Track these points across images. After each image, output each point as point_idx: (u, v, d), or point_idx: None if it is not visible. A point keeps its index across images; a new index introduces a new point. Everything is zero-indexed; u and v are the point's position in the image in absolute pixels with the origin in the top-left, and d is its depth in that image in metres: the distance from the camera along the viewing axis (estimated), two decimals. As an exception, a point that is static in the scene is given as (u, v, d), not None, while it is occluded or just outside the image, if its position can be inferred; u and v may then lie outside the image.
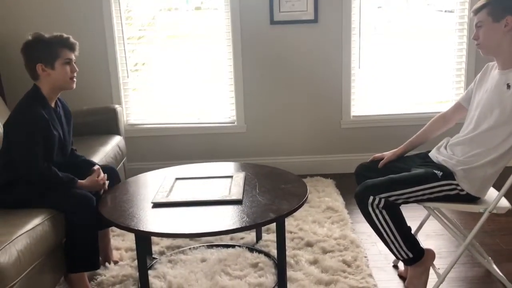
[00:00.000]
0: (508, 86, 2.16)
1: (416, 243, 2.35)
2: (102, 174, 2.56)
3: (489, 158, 2.21)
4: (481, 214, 2.24)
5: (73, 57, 2.46)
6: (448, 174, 2.26)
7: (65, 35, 2.44)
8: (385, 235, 2.29)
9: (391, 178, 2.30)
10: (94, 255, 2.42)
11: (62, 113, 2.55)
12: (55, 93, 2.48)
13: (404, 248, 2.31)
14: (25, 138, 2.31)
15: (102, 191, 2.55)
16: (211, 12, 4.13)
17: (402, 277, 2.55)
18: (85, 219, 2.33)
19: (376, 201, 2.24)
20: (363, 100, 4.16)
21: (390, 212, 2.26)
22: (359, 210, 2.31)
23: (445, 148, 2.39)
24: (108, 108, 3.63)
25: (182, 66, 4.11)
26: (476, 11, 2.24)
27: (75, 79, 2.47)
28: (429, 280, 2.46)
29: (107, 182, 2.58)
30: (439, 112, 4.07)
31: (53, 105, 2.47)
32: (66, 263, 2.39)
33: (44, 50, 2.38)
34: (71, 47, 2.45)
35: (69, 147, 2.59)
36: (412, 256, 2.32)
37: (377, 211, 2.25)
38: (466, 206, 2.29)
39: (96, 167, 2.61)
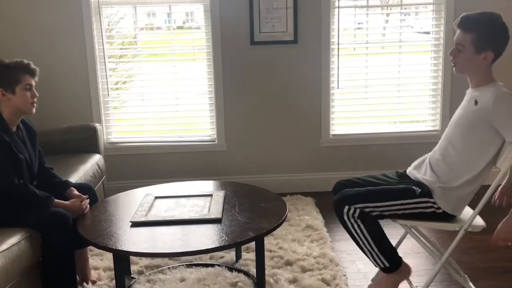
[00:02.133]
0: (476, 102, 2.22)
1: (394, 252, 2.37)
2: (86, 202, 2.53)
3: (466, 178, 2.25)
4: (457, 232, 2.28)
5: (33, 82, 2.48)
6: (426, 192, 2.30)
7: (25, 61, 2.47)
8: (361, 243, 2.32)
9: (369, 190, 2.34)
10: (71, 276, 2.38)
11: (26, 135, 2.54)
12: (16, 117, 2.48)
13: (381, 257, 2.33)
14: None
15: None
16: (192, 32, 4.17)
17: None
18: (61, 238, 2.30)
19: (351, 211, 2.27)
20: (342, 119, 4.21)
21: (366, 222, 2.28)
22: (338, 228, 2.33)
23: (427, 165, 2.42)
24: (88, 126, 3.62)
25: (163, 85, 4.13)
26: (462, 29, 2.22)
27: (35, 104, 2.49)
28: (407, 298, 2.49)
29: (87, 208, 2.54)
30: (416, 131, 4.19)
31: (14, 129, 2.47)
32: (42, 285, 2.34)
33: (5, 76, 2.40)
34: (32, 73, 2.47)
35: (35, 169, 2.56)
36: (389, 265, 2.34)
37: (352, 221, 2.28)
38: (442, 224, 2.33)
39: (75, 192, 2.57)
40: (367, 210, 2.27)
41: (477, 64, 2.23)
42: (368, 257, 2.36)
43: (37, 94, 2.49)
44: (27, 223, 2.28)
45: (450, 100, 4.07)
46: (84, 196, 2.55)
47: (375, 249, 2.31)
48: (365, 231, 2.29)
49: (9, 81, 2.40)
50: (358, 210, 2.26)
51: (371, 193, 2.32)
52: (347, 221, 2.28)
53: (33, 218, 2.30)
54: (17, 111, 2.45)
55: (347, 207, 2.27)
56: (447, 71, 4.04)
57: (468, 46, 2.21)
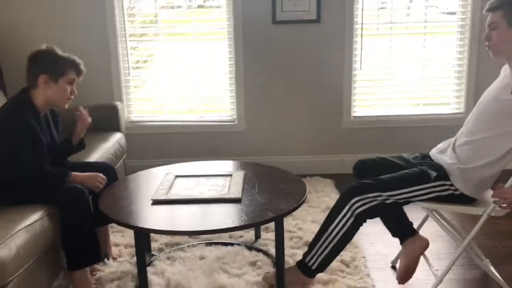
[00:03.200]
0: None
1: (326, 266, 2.37)
2: (100, 175, 2.53)
3: (487, 160, 2.21)
4: (479, 216, 2.25)
5: (77, 81, 2.48)
6: (442, 175, 2.26)
7: (77, 60, 2.47)
8: (325, 235, 2.30)
9: (381, 178, 2.30)
10: (93, 249, 2.40)
11: (51, 121, 2.56)
12: (47, 107, 2.49)
13: (320, 258, 2.32)
14: (13, 144, 2.29)
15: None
16: (213, 11, 4.13)
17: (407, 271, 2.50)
18: (79, 213, 2.31)
19: (358, 204, 2.24)
20: (364, 100, 4.16)
21: (354, 224, 2.26)
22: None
23: (450, 148, 2.37)
24: (109, 105, 3.64)
25: (184, 64, 4.12)
26: (491, 10, 2.19)
27: (70, 101, 2.49)
28: (427, 281, 2.47)
29: (104, 181, 2.54)
30: (440, 114, 4.12)
31: (41, 115, 2.47)
32: (66, 261, 2.36)
33: (54, 64, 2.40)
34: (79, 72, 2.48)
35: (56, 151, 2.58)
36: (313, 269, 2.34)
37: (348, 214, 2.25)
38: (465, 208, 2.29)
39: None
40: (380, 198, 2.24)
41: None
42: (312, 247, 2.34)
43: (76, 93, 2.49)
44: (45, 200, 2.30)
45: (475, 83, 3.99)
46: (103, 177, 2.54)
47: (327, 249, 2.30)
48: (344, 228, 2.26)
49: (56, 71, 2.39)
50: (364, 207, 2.23)
51: (384, 182, 2.28)
52: (345, 209, 2.26)
53: (50, 195, 2.31)
54: (51, 102, 2.45)
55: (357, 198, 2.25)
56: (473, 52, 3.95)
57: (500, 21, 2.15)
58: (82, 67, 2.48)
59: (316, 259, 2.33)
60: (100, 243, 2.52)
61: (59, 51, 2.45)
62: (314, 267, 2.34)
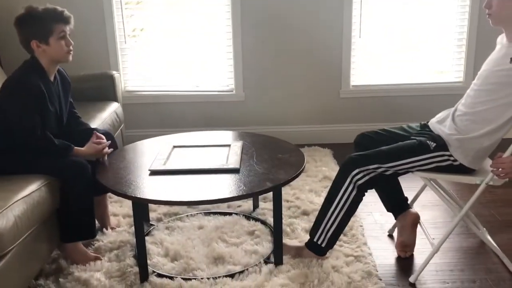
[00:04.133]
0: (511, 60, 2.13)
1: (336, 239, 2.38)
2: (104, 141, 2.52)
3: (486, 129, 2.20)
4: (477, 185, 2.25)
5: (67, 30, 2.40)
6: (441, 145, 2.26)
7: (59, 9, 2.37)
8: (330, 211, 2.30)
9: (380, 150, 2.30)
10: (89, 224, 2.42)
11: (61, 86, 2.52)
12: (54, 66, 2.44)
13: (328, 234, 2.33)
14: (21, 106, 2.27)
15: (103, 158, 2.53)
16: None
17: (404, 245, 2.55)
18: (79, 187, 2.32)
19: (359, 176, 2.24)
20: (363, 69, 4.12)
21: (357, 195, 2.27)
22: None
23: (449, 118, 2.36)
24: (105, 74, 3.60)
25: (180, 32, 4.06)
26: None
27: (71, 52, 2.43)
28: (424, 249, 2.50)
29: (108, 150, 2.54)
30: (439, 83, 4.09)
31: (52, 78, 2.43)
32: (60, 232, 2.38)
33: (38, 26, 2.33)
34: (65, 21, 2.38)
35: (65, 119, 2.56)
36: (323, 246, 2.36)
37: (350, 187, 2.25)
38: (463, 178, 2.29)
39: (97, 134, 2.57)
40: (380, 170, 2.25)
41: None
42: (318, 225, 2.35)
43: (72, 42, 2.42)
44: (46, 171, 2.30)
45: (475, 52, 3.95)
46: (99, 135, 2.53)
47: (334, 225, 2.31)
48: (348, 201, 2.27)
49: (42, 32, 2.33)
50: (365, 178, 2.23)
51: (384, 153, 2.28)
52: (346, 181, 2.26)
53: (51, 167, 2.31)
54: (54, 60, 2.40)
55: (357, 170, 2.24)
56: (473, 21, 3.90)
57: None
58: (66, 14, 2.39)
59: (325, 236, 2.34)
60: (97, 214, 2.53)
61: (39, 8, 2.34)
62: (324, 244, 2.35)
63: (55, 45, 2.36)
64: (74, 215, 2.36)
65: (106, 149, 2.53)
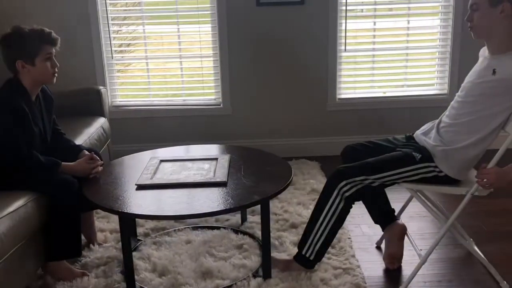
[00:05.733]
0: (494, 71, 2.16)
1: (324, 253, 2.38)
2: (98, 161, 2.49)
3: (471, 140, 2.23)
4: (463, 196, 2.27)
5: (53, 51, 2.39)
6: (427, 157, 2.28)
7: (46, 30, 2.37)
8: (318, 223, 2.30)
9: (367, 162, 2.32)
10: (75, 241, 2.39)
11: (43, 105, 2.50)
12: (37, 87, 2.42)
13: (316, 247, 2.33)
14: (4, 127, 2.25)
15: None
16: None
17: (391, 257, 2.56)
18: (66, 203, 2.29)
19: (346, 188, 2.25)
20: (349, 83, 4.16)
21: (344, 208, 2.28)
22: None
23: (434, 130, 2.39)
24: (92, 89, 3.59)
25: (167, 47, 4.07)
26: None
27: (56, 74, 2.42)
28: (411, 261, 2.50)
29: (100, 169, 2.51)
30: (424, 95, 4.14)
31: (33, 98, 2.41)
32: (45, 251, 2.34)
33: (24, 46, 2.31)
34: (52, 43, 2.37)
35: (49, 137, 2.53)
36: (311, 259, 2.36)
37: (337, 199, 2.26)
38: (449, 189, 2.32)
39: (85, 152, 2.55)
40: (367, 182, 2.26)
41: (495, 21, 2.15)
42: (306, 238, 2.35)
43: (58, 64, 2.40)
44: (33, 187, 2.28)
45: (458, 64, 4.00)
46: (95, 157, 2.51)
47: (322, 237, 2.32)
48: (336, 214, 2.28)
49: (28, 53, 2.31)
50: (352, 190, 2.24)
51: (370, 165, 2.29)
52: (333, 194, 2.26)
53: (39, 184, 2.29)
54: (38, 82, 2.39)
55: (344, 182, 2.25)
56: (456, 34, 3.96)
57: (482, 2, 2.14)
58: (53, 36, 2.37)
59: (313, 249, 2.34)
60: (83, 230, 2.50)
61: (26, 28, 2.33)
62: (312, 257, 2.35)
63: (40, 66, 2.34)
64: (60, 232, 2.33)
65: (98, 169, 2.50)
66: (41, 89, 2.50)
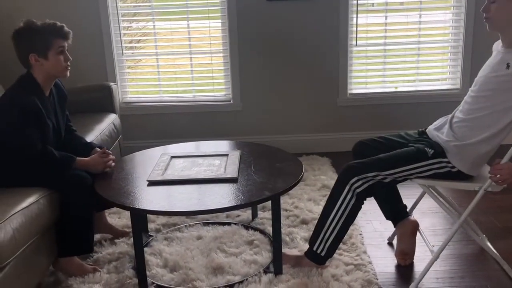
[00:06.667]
0: (508, 66, 2.13)
1: (335, 249, 2.37)
2: (111, 156, 2.50)
3: (484, 136, 2.20)
4: (476, 192, 2.25)
5: (66, 45, 2.39)
6: (439, 152, 2.26)
7: (58, 24, 2.37)
8: (329, 219, 2.29)
9: (378, 158, 2.30)
10: (88, 238, 2.40)
11: (57, 100, 2.51)
12: (50, 81, 2.43)
13: (327, 243, 2.31)
14: (17, 121, 2.25)
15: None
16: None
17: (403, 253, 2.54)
18: (80, 199, 2.30)
19: (358, 184, 2.23)
20: (360, 78, 4.14)
21: (356, 204, 2.26)
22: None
23: (447, 125, 2.37)
24: (103, 86, 3.60)
25: (177, 43, 4.07)
26: None
27: (69, 68, 2.42)
28: (424, 257, 2.49)
29: (113, 164, 2.52)
30: (436, 90, 4.11)
31: (47, 93, 2.42)
32: (57, 247, 2.35)
33: (37, 40, 2.32)
34: (64, 36, 2.38)
35: (63, 133, 2.54)
36: (323, 255, 2.34)
37: (349, 195, 2.25)
38: (462, 184, 2.29)
39: (97, 149, 2.56)
40: (378, 178, 2.24)
41: None
42: (317, 234, 2.33)
43: (70, 57, 2.41)
44: (46, 183, 2.29)
45: (471, 58, 3.96)
46: (108, 151, 2.52)
47: (333, 234, 2.30)
48: (347, 209, 2.26)
49: (41, 46, 2.32)
50: (363, 186, 2.23)
51: (382, 161, 2.28)
52: (345, 190, 2.25)
53: (53, 180, 2.30)
54: (51, 75, 2.39)
55: (356, 178, 2.24)
56: (468, 28, 3.92)
57: None
58: (65, 29, 2.38)
59: (324, 245, 2.33)
60: (97, 227, 2.52)
61: (38, 23, 2.34)
62: (323, 253, 2.34)
63: (53, 60, 2.35)
64: (72, 229, 2.34)
65: (111, 163, 2.51)
66: (55, 84, 2.50)
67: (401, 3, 4.08)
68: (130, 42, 4.12)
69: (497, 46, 2.29)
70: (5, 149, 2.29)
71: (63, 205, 2.31)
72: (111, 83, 3.65)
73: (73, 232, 2.35)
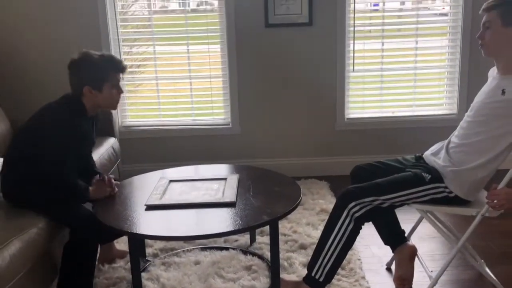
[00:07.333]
0: (503, 92, 2.16)
1: (334, 275, 2.35)
2: (113, 185, 2.48)
3: (480, 161, 2.22)
4: (473, 217, 2.25)
5: (121, 78, 2.40)
6: (436, 177, 2.27)
7: (116, 58, 2.39)
8: (328, 244, 2.28)
9: (376, 182, 2.31)
10: (88, 282, 2.37)
11: (95, 125, 2.53)
12: (96, 110, 2.44)
13: (326, 268, 2.30)
14: (59, 145, 2.24)
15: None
16: (207, 14, 4.13)
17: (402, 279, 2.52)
18: (86, 239, 2.29)
19: (356, 208, 2.23)
20: (358, 102, 4.17)
21: (354, 229, 2.26)
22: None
23: (443, 150, 2.38)
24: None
25: (177, 68, 4.12)
26: (487, 10, 2.21)
27: (120, 101, 2.43)
28: (422, 283, 2.48)
29: (116, 189, 2.50)
30: (433, 115, 4.14)
31: (89, 116, 2.44)
32: (60, 274, 2.32)
33: (94, 73, 2.32)
34: (122, 71, 2.39)
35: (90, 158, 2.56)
36: (321, 281, 2.32)
37: (347, 220, 2.24)
38: (459, 209, 2.30)
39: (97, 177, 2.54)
40: (376, 202, 2.25)
41: (506, 40, 2.17)
42: (315, 259, 2.32)
43: (123, 90, 2.42)
44: (54, 216, 2.28)
45: (467, 84, 4.00)
46: (113, 182, 2.50)
47: (332, 258, 2.29)
48: (346, 234, 2.25)
49: (97, 79, 2.32)
50: (362, 211, 2.23)
51: (380, 186, 2.29)
52: (343, 214, 2.25)
53: (63, 214, 2.29)
54: (100, 106, 2.41)
55: (354, 202, 2.24)
56: (464, 54, 3.97)
57: (495, 20, 2.17)
58: (123, 64, 2.39)
59: (323, 270, 2.31)
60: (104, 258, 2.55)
61: (95, 54, 2.35)
62: (322, 279, 2.33)
63: (107, 93, 2.36)
64: (74, 271, 2.30)
65: (115, 189, 2.50)
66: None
67: (398, 30, 4.14)
68: (131, 66, 4.16)
69: (493, 72, 2.33)
70: (34, 167, 2.24)
71: (68, 243, 2.28)
72: (111, 107, 3.67)
73: (73, 276, 2.31)
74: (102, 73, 2.33)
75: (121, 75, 2.41)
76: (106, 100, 2.38)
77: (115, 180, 2.55)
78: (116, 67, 2.37)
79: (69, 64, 2.36)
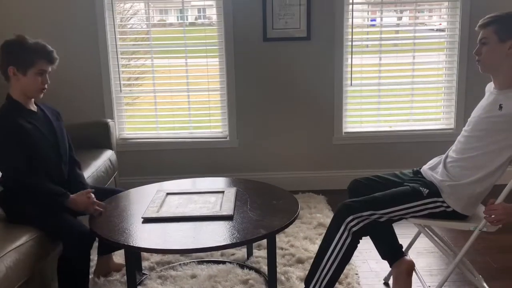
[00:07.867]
0: (500, 107, 2.17)
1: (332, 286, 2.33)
2: (92, 196, 2.43)
3: (478, 176, 2.22)
4: (471, 232, 2.25)
5: (48, 69, 2.40)
6: (434, 192, 2.27)
7: (49, 48, 2.39)
8: (325, 259, 2.27)
9: (374, 197, 2.31)
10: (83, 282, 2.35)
11: (50, 116, 2.49)
12: (26, 99, 2.41)
13: (323, 283, 2.28)
14: (1, 151, 2.25)
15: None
16: (205, 28, 4.16)
17: None
18: (78, 251, 2.27)
19: (353, 222, 2.22)
20: (355, 117, 4.18)
21: (351, 243, 2.25)
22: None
23: (441, 164, 2.39)
24: (100, 122, 3.63)
25: (175, 81, 4.13)
26: (483, 26, 2.22)
27: (44, 91, 2.42)
28: (420, 298, 2.46)
29: (99, 209, 2.44)
30: (430, 130, 4.15)
31: (32, 108, 2.42)
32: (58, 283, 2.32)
33: (21, 55, 2.33)
34: (50, 60, 2.39)
35: (62, 151, 2.50)
36: None
37: (344, 234, 2.23)
38: (457, 224, 2.30)
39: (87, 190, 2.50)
40: (374, 217, 2.24)
41: (503, 56, 2.18)
42: (313, 273, 2.30)
43: (49, 81, 2.41)
44: (45, 227, 2.27)
45: (465, 99, 4.02)
46: (89, 190, 2.47)
47: (329, 272, 2.27)
48: (343, 249, 2.24)
49: (23, 62, 2.33)
50: (359, 225, 2.22)
51: (377, 200, 2.28)
52: (341, 228, 2.24)
53: (52, 224, 2.28)
54: (24, 93, 2.38)
55: (351, 217, 2.23)
56: (462, 69, 3.99)
57: (491, 36, 2.18)
58: (54, 55, 2.39)
59: (320, 284, 2.29)
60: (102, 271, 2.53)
61: (30, 40, 2.36)
62: None
63: (31, 78, 2.35)
64: (70, 276, 2.30)
65: (97, 208, 2.43)
66: (45, 107, 2.49)
67: (395, 45, 4.17)
68: (129, 79, 4.17)
69: (490, 87, 2.34)
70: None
71: (61, 255, 2.27)
72: (108, 120, 3.68)
73: (69, 278, 2.30)
74: (30, 57, 2.33)
75: (49, 67, 2.40)
76: (29, 85, 2.36)
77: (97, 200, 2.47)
78: (46, 55, 2.37)
79: (1, 45, 2.37)
